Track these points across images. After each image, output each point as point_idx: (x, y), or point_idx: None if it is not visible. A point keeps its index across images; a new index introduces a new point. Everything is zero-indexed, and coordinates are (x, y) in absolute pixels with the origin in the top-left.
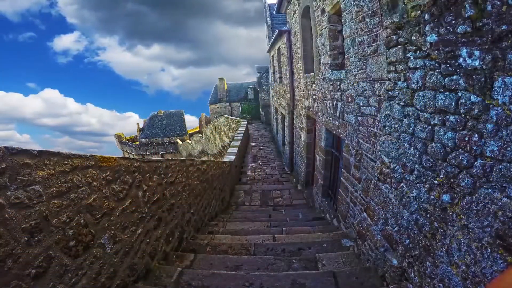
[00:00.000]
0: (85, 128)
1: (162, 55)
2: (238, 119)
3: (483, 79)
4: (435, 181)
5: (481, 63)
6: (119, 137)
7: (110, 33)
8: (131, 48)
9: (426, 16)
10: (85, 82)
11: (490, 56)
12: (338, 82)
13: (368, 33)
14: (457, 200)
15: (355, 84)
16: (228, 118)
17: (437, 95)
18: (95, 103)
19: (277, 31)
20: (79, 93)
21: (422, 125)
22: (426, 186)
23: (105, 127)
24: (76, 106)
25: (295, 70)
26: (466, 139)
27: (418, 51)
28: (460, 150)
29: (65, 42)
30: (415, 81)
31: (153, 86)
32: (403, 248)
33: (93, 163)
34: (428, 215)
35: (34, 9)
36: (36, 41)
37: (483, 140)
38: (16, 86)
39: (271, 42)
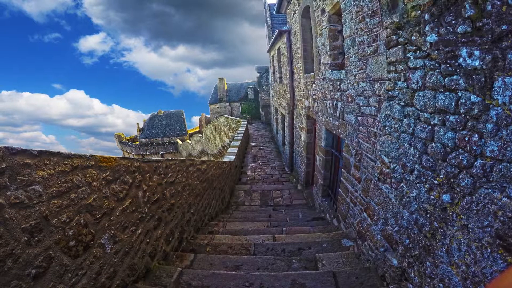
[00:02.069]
0: (110, 128)
1: (188, 55)
2: (238, 119)
3: (483, 79)
4: (435, 181)
5: (481, 63)
6: (119, 137)
7: (136, 34)
8: (157, 49)
9: (426, 16)
10: (111, 83)
11: (490, 56)
12: (338, 82)
13: (368, 33)
14: (457, 200)
15: (355, 84)
16: (228, 118)
17: (437, 95)
18: (121, 104)
19: (277, 31)
20: (105, 94)
21: (422, 125)
22: (426, 186)
23: (130, 128)
24: (102, 107)
25: (295, 70)
26: (466, 139)
27: (418, 51)
28: (460, 150)
29: (90, 43)
30: (415, 81)
31: (178, 87)
32: (403, 248)
33: (93, 163)
34: (428, 215)
35: (59, 10)
36: (62, 42)
37: (483, 140)
38: (42, 87)
39: (271, 42)
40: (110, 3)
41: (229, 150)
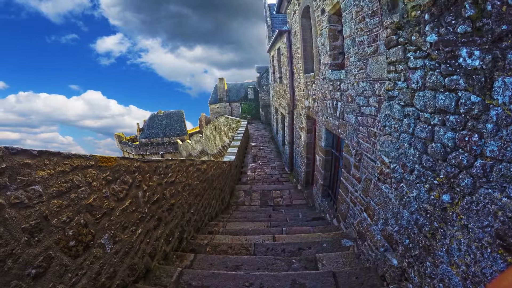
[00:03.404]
0: (128, 129)
1: (205, 56)
2: (238, 119)
3: (483, 79)
4: (435, 181)
5: (481, 63)
6: (119, 137)
7: (153, 35)
8: (174, 50)
9: (426, 16)
10: (128, 84)
11: (490, 56)
12: (338, 82)
13: (368, 33)
14: (457, 200)
15: (355, 84)
16: (228, 118)
17: (437, 95)
18: (138, 105)
19: (277, 31)
20: (122, 95)
21: (422, 125)
22: (426, 186)
23: None
24: (119, 107)
25: (295, 70)
26: (466, 139)
27: (418, 51)
28: (460, 150)
29: (107, 44)
30: (415, 81)
31: (195, 87)
32: (403, 248)
33: (93, 163)
34: (428, 215)
35: (76, 11)
36: (79, 43)
37: (483, 140)
38: (59, 88)
39: (271, 42)
40: (127, 4)
41: (229, 150)
